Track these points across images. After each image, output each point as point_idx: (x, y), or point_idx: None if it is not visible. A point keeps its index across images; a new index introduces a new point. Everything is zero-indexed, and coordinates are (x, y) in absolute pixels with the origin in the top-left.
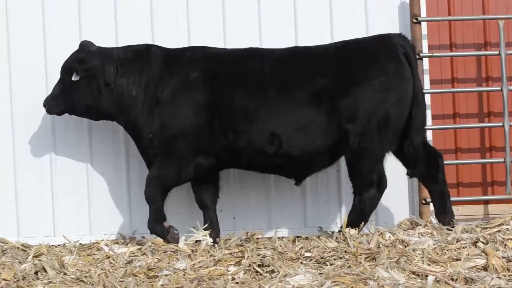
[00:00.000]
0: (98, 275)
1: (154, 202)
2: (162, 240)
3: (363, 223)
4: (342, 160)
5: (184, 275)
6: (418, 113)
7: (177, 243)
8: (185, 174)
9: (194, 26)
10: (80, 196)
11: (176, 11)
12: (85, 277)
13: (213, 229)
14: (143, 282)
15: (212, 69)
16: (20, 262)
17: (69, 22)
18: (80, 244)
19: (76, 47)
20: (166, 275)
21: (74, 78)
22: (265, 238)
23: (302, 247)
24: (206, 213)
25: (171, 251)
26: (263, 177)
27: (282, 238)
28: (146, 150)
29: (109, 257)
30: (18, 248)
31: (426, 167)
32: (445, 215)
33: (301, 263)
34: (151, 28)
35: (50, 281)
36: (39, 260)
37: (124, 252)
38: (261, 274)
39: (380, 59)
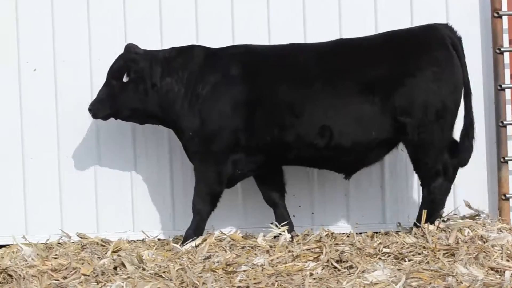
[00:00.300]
0: (177, 270)
1: (198, 213)
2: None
3: (436, 214)
4: None
5: (262, 270)
6: (467, 104)
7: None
8: (225, 173)
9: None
10: (162, 191)
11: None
12: (164, 272)
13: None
14: (221, 277)
15: (253, 65)
16: (99, 258)
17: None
18: (159, 239)
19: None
20: (244, 271)
21: (125, 79)
22: (344, 233)
23: (380, 243)
24: (276, 210)
25: (249, 247)
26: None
27: (361, 233)
28: (187, 148)
29: (188, 253)
30: (97, 243)
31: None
32: None
33: (380, 259)
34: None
35: (128, 276)
36: (118, 255)
37: (202, 248)
38: (339, 270)
39: (432, 48)
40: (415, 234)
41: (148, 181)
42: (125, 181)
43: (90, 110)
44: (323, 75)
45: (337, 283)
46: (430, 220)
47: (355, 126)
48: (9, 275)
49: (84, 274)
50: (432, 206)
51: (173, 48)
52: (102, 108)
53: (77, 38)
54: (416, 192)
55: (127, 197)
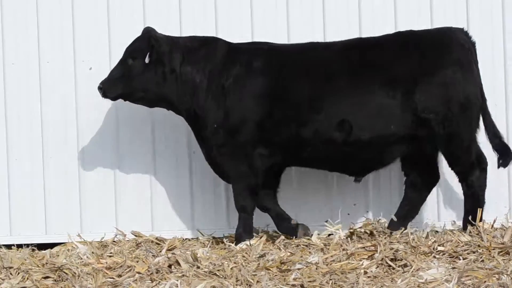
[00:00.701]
0: (231, 268)
1: (242, 210)
2: None
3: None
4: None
5: (316, 269)
6: (484, 105)
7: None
8: (257, 166)
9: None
10: (218, 190)
11: None
12: (218, 270)
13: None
14: (275, 276)
15: (275, 59)
16: (154, 256)
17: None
18: (214, 237)
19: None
20: (298, 269)
21: (147, 60)
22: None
23: (435, 241)
24: (271, 214)
25: (303, 245)
26: (396, 170)
27: (415, 232)
28: (210, 140)
29: (242, 251)
30: (152, 241)
31: None
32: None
33: (434, 257)
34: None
35: (183, 275)
36: (173, 253)
37: (257, 246)
38: (393, 268)
39: (452, 49)
40: (470, 232)
41: (204, 180)
42: (182, 179)
43: (100, 88)
44: (343, 71)
45: (392, 281)
46: (474, 215)
47: (375, 121)
48: (64, 273)
49: (138, 272)
50: (475, 200)
51: (195, 37)
52: (115, 87)
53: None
54: None
55: (183, 196)
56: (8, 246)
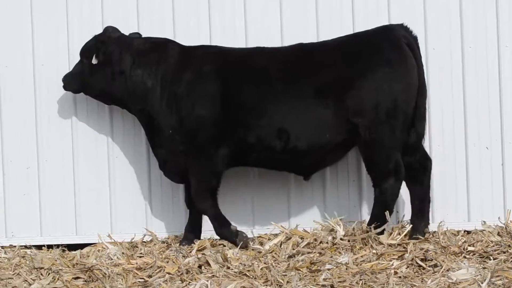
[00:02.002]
0: (261, 269)
1: (207, 210)
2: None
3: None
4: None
5: (346, 269)
6: (422, 102)
7: (247, 246)
8: (219, 167)
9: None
10: (245, 191)
11: None
12: (248, 271)
13: (194, 231)
14: (305, 276)
15: (224, 63)
16: (184, 256)
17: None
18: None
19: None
20: (328, 269)
21: (94, 61)
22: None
23: (465, 241)
24: (191, 213)
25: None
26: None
27: (445, 232)
28: (167, 145)
29: (272, 251)
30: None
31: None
32: (421, 220)
33: (464, 257)
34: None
35: (213, 275)
36: (203, 254)
37: (286, 246)
38: (423, 268)
39: (384, 49)
40: (498, 233)
41: (234, 181)
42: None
43: (62, 81)
44: (282, 78)
45: (422, 281)
46: (381, 221)
47: (311, 129)
48: (94, 273)
49: (169, 273)
50: (383, 207)
51: (147, 39)
52: (72, 82)
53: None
54: (501, 190)
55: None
56: (39, 247)
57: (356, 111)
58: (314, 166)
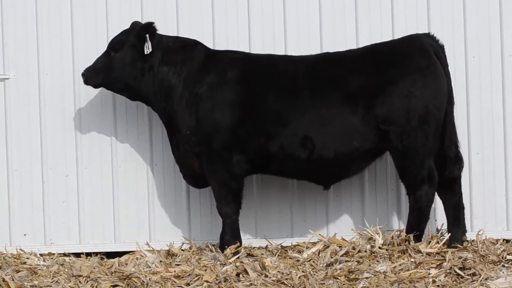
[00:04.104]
0: (299, 277)
1: (228, 216)
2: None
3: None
4: None
5: (384, 277)
6: (450, 110)
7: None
8: (236, 172)
9: None
10: (284, 198)
11: None
12: (286, 279)
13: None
14: (343, 284)
15: (248, 69)
16: (222, 264)
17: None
18: (282, 246)
19: None
20: (366, 278)
21: (147, 51)
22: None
23: (504, 250)
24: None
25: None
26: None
27: (484, 240)
28: (184, 146)
29: (310, 260)
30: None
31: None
32: (458, 228)
33: (503, 266)
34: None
35: (251, 283)
36: (241, 262)
37: (324, 255)
38: (462, 277)
39: (413, 57)
40: None
41: (273, 190)
42: (247, 190)
43: (83, 75)
44: (309, 85)
45: None
46: (418, 229)
47: (338, 137)
48: (133, 281)
49: (207, 281)
50: (419, 214)
51: (177, 38)
52: (95, 76)
53: None
54: None
55: (250, 205)
56: (77, 255)
57: (386, 118)
58: (337, 175)
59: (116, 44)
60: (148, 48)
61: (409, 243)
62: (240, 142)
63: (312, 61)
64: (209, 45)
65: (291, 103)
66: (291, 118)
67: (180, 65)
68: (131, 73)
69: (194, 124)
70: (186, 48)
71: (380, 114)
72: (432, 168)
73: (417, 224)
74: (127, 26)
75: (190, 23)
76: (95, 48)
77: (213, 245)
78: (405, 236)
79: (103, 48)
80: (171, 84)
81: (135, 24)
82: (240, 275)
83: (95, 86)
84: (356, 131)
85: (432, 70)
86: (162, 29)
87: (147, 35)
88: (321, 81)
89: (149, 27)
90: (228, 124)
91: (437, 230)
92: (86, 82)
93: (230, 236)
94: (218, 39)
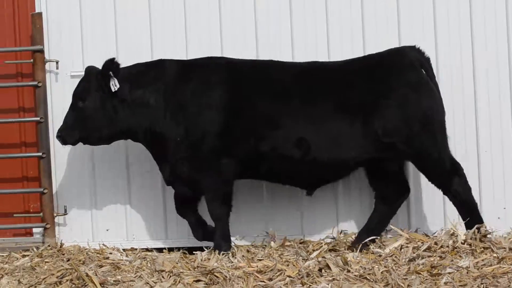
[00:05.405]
0: (381, 272)
1: (220, 218)
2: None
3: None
4: None
5: (467, 273)
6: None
7: None
8: (225, 175)
9: None
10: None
11: None
12: (368, 274)
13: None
14: (426, 279)
15: (232, 74)
16: (304, 259)
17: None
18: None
19: None
20: (449, 273)
21: (114, 88)
22: None
23: None
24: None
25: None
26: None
27: None
28: (174, 155)
29: (392, 255)
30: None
31: None
32: None
33: None
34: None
35: (333, 278)
36: (323, 257)
37: (407, 250)
38: None
39: (402, 70)
40: None
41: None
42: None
43: (59, 136)
44: (299, 94)
45: None
46: (477, 221)
47: (334, 147)
48: (215, 276)
49: (289, 276)
50: (466, 207)
51: (138, 64)
52: (71, 133)
53: None
54: None
55: (330, 201)
56: (160, 250)
57: (387, 131)
58: (327, 179)
59: (81, 93)
60: (115, 85)
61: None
62: (227, 146)
63: (300, 69)
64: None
65: (279, 107)
66: (281, 122)
67: (154, 82)
68: (105, 115)
69: (182, 132)
70: (153, 67)
71: (380, 130)
72: (452, 159)
73: (471, 215)
74: None
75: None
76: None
77: (290, 241)
78: (485, 231)
79: None
80: (149, 103)
81: (90, 69)
82: (322, 270)
83: (74, 143)
84: (356, 143)
85: (422, 83)
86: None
87: (111, 72)
88: (312, 94)
89: (112, 64)
90: (213, 129)
91: None
92: (64, 142)
93: (220, 240)
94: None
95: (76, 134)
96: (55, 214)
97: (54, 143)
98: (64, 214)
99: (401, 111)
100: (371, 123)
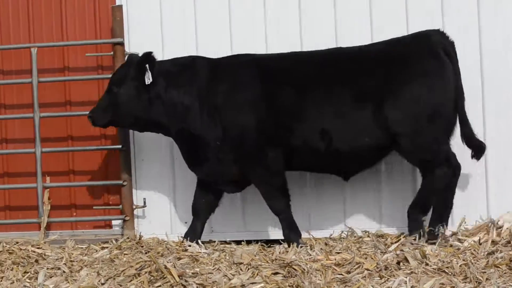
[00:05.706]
0: (460, 266)
1: (280, 212)
2: None
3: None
4: None
5: None
6: (462, 104)
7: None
8: (274, 167)
9: None
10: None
11: None
12: (447, 267)
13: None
14: (504, 273)
15: (259, 70)
16: (382, 252)
17: None
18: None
19: None
20: None
21: (147, 81)
22: None
23: None
24: (194, 221)
25: None
26: None
27: None
28: (214, 157)
29: (470, 248)
30: (378, 237)
31: None
32: None
33: None
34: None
35: (412, 271)
36: (401, 250)
37: (485, 243)
38: None
39: (421, 57)
40: None
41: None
42: (407, 183)
43: (90, 117)
44: (321, 82)
45: None
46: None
47: (351, 132)
48: (293, 269)
49: (367, 269)
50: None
51: (175, 60)
52: (102, 116)
53: None
54: None
55: (408, 193)
56: (238, 242)
57: (394, 121)
58: (355, 168)
59: (117, 79)
60: (148, 78)
61: None
62: (268, 140)
63: (323, 57)
64: None
65: (306, 99)
66: (307, 113)
67: (189, 84)
68: (139, 105)
69: (221, 133)
70: (187, 67)
71: (390, 116)
72: (449, 152)
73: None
74: None
75: None
76: None
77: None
78: None
79: None
80: (185, 105)
81: (132, 57)
82: (400, 263)
83: (104, 126)
84: (368, 129)
85: (440, 70)
86: None
87: (147, 65)
88: (331, 78)
89: (148, 57)
90: (252, 125)
91: None
92: (94, 123)
93: (288, 230)
94: None
95: (107, 117)
96: (134, 207)
97: (134, 136)
98: (143, 207)
99: (412, 104)
100: (382, 110)
